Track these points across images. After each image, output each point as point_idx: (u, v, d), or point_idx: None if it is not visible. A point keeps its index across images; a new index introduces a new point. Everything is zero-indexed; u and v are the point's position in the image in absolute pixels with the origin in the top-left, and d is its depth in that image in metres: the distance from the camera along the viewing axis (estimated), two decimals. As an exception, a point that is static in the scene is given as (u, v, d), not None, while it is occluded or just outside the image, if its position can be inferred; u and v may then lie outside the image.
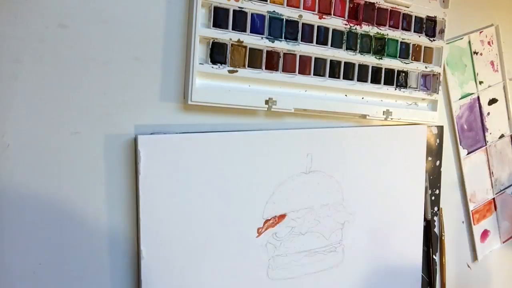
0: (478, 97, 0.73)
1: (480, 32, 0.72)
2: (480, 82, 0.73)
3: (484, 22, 0.73)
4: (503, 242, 0.79)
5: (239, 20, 0.47)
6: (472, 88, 0.72)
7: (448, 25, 0.62)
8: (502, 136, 0.77)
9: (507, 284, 0.81)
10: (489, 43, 0.74)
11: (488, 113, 0.74)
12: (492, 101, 0.75)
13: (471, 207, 0.73)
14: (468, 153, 0.72)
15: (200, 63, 0.45)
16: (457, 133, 0.70)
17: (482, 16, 0.73)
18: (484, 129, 0.74)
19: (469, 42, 0.71)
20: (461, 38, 0.70)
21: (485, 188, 0.75)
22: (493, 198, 0.76)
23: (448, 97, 0.69)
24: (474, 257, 0.75)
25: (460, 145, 0.71)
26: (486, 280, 0.78)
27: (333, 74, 0.54)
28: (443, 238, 0.69)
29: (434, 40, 0.61)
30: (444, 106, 0.69)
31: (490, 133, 0.75)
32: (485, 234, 0.76)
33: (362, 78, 0.56)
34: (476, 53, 0.72)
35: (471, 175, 0.73)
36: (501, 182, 0.77)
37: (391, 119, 0.59)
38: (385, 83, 0.58)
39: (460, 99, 0.71)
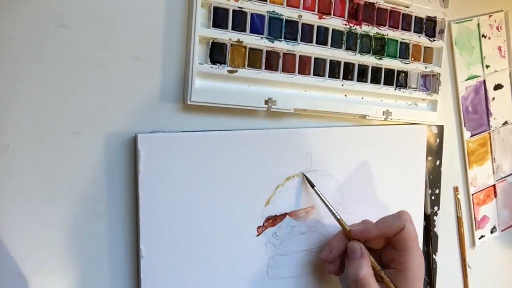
0: (484, 81, 0.73)
1: (490, 16, 0.72)
2: (487, 66, 0.73)
3: (494, 6, 0.73)
4: (502, 231, 0.78)
5: (239, 20, 0.47)
6: (479, 71, 0.72)
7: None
8: (505, 123, 0.77)
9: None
10: (497, 28, 0.73)
11: (493, 98, 0.74)
12: (498, 87, 0.75)
13: (472, 190, 0.73)
14: (472, 136, 0.72)
15: (200, 63, 0.45)
16: (462, 113, 0.70)
17: (492, 0, 0.73)
18: (488, 113, 0.74)
19: (478, 24, 0.71)
20: (470, 20, 0.70)
21: (486, 173, 0.75)
22: (494, 185, 0.76)
23: (454, 76, 0.69)
24: (472, 243, 0.75)
25: (464, 126, 0.71)
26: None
27: (333, 74, 0.54)
28: (460, 216, 0.71)
29: (434, 40, 0.61)
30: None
31: (494, 119, 0.75)
32: (483, 220, 0.76)
33: (362, 78, 0.56)
34: (484, 36, 0.72)
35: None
36: (503, 169, 0.77)
37: (391, 119, 0.59)
38: (385, 83, 0.58)
39: (466, 80, 0.70)
